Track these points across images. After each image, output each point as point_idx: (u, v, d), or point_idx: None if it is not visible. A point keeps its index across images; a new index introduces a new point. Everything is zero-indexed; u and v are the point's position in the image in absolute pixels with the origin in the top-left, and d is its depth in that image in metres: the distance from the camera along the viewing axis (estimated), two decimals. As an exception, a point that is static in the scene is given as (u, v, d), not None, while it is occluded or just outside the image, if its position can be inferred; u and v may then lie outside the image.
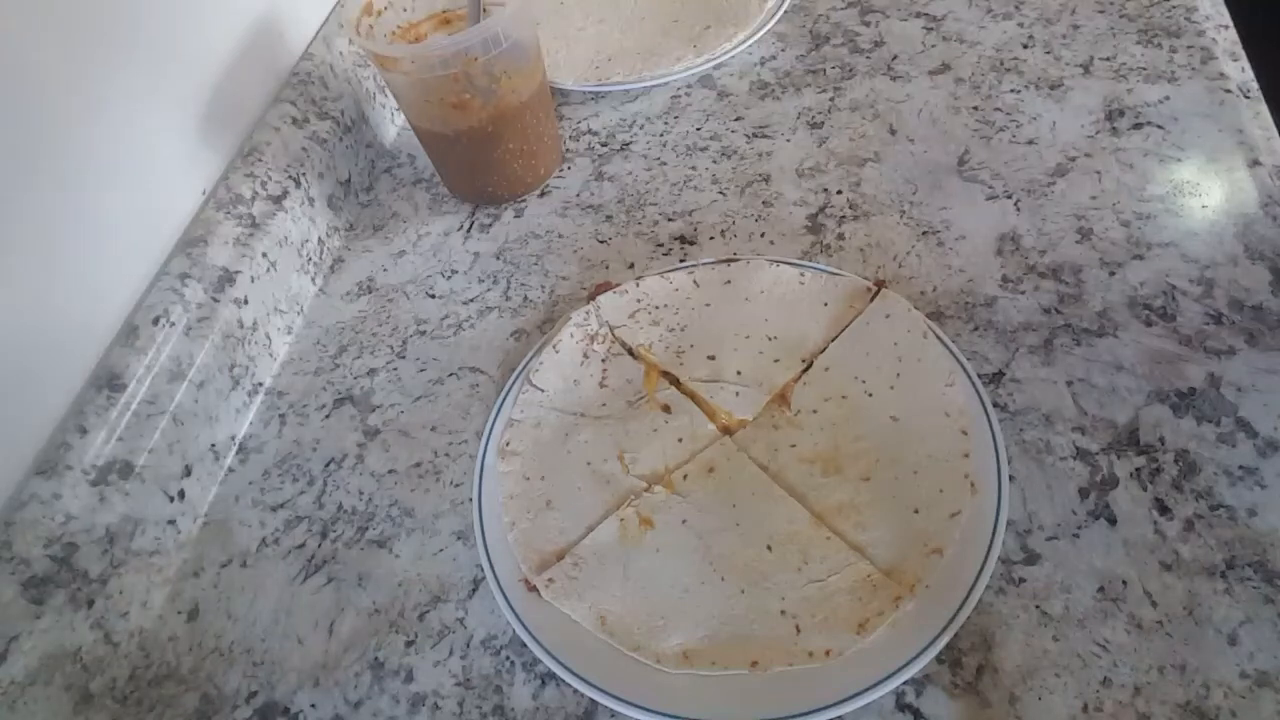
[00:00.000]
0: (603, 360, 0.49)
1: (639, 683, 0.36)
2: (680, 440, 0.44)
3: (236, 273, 0.50)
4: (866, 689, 0.34)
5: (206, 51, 0.54)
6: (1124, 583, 0.36)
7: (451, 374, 0.51)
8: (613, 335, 0.49)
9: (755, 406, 0.45)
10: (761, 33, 0.66)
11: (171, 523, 0.45)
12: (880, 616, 0.36)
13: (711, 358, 0.47)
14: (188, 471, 0.46)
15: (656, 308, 0.50)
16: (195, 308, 0.48)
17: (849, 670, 0.35)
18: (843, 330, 0.47)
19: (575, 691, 0.37)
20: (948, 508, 0.38)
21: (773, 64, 0.66)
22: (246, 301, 0.51)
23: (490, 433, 0.46)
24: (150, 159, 0.49)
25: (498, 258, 0.57)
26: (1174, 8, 0.60)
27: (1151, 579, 0.36)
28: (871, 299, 0.47)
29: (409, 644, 0.40)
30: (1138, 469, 0.39)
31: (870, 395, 0.44)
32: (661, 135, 0.62)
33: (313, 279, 0.58)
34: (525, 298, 0.54)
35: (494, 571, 0.41)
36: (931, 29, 0.65)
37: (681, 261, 0.53)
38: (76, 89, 0.44)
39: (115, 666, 0.40)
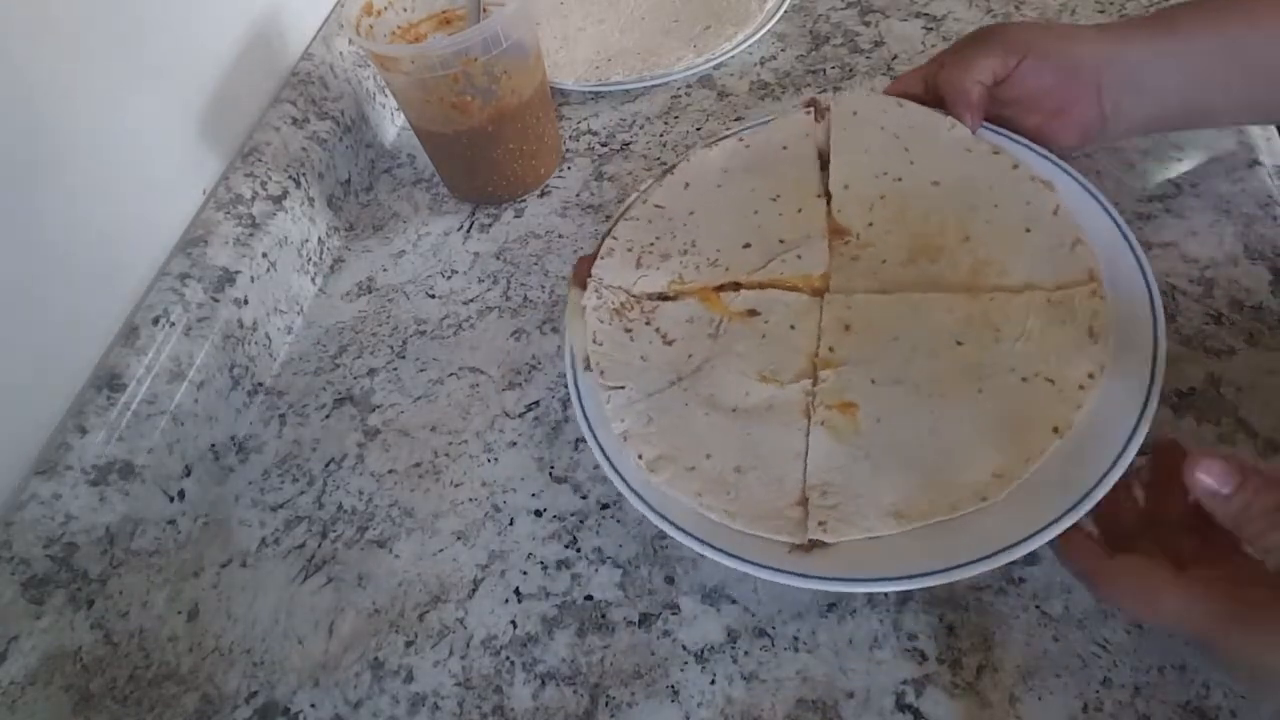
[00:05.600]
0: (647, 323, 0.44)
1: (958, 536, 0.34)
2: (793, 327, 0.42)
3: (236, 273, 0.50)
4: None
5: (206, 51, 0.54)
6: (1124, 583, 0.36)
7: (451, 374, 0.51)
8: (635, 295, 0.45)
9: (822, 254, 0.43)
10: (761, 33, 0.66)
11: (171, 523, 0.45)
12: (1096, 317, 0.37)
13: (747, 245, 0.45)
14: (188, 471, 0.46)
15: (650, 244, 0.46)
16: (195, 308, 0.48)
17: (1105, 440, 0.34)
18: (828, 151, 0.47)
19: (575, 691, 0.37)
20: (1046, 208, 0.41)
21: (773, 64, 0.66)
22: (246, 301, 0.51)
23: (613, 466, 0.39)
24: (150, 159, 0.49)
25: (498, 258, 0.57)
26: (1174, 8, 0.60)
27: (1151, 579, 0.36)
28: (819, 117, 0.47)
29: (409, 644, 0.40)
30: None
31: (900, 180, 0.44)
32: (661, 135, 0.62)
33: (313, 279, 0.58)
34: (525, 298, 0.54)
35: (752, 561, 0.35)
36: (931, 29, 0.65)
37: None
38: (76, 90, 0.44)
39: (115, 666, 0.40)
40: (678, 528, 0.37)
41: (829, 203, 0.45)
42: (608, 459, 0.39)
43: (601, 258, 0.46)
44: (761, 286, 0.44)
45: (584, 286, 0.45)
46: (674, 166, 0.49)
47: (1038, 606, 0.36)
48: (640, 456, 0.39)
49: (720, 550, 0.36)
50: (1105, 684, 0.34)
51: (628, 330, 0.44)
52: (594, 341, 0.42)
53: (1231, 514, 0.29)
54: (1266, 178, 0.48)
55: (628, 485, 0.38)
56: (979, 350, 0.38)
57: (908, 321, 0.40)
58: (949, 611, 0.37)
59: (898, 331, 0.40)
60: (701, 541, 0.36)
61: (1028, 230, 0.41)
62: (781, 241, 0.44)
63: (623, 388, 0.41)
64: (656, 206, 0.47)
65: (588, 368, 0.42)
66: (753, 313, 0.43)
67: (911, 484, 0.36)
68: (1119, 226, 0.41)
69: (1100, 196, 0.42)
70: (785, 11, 0.68)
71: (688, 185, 0.48)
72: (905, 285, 0.41)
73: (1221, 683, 0.33)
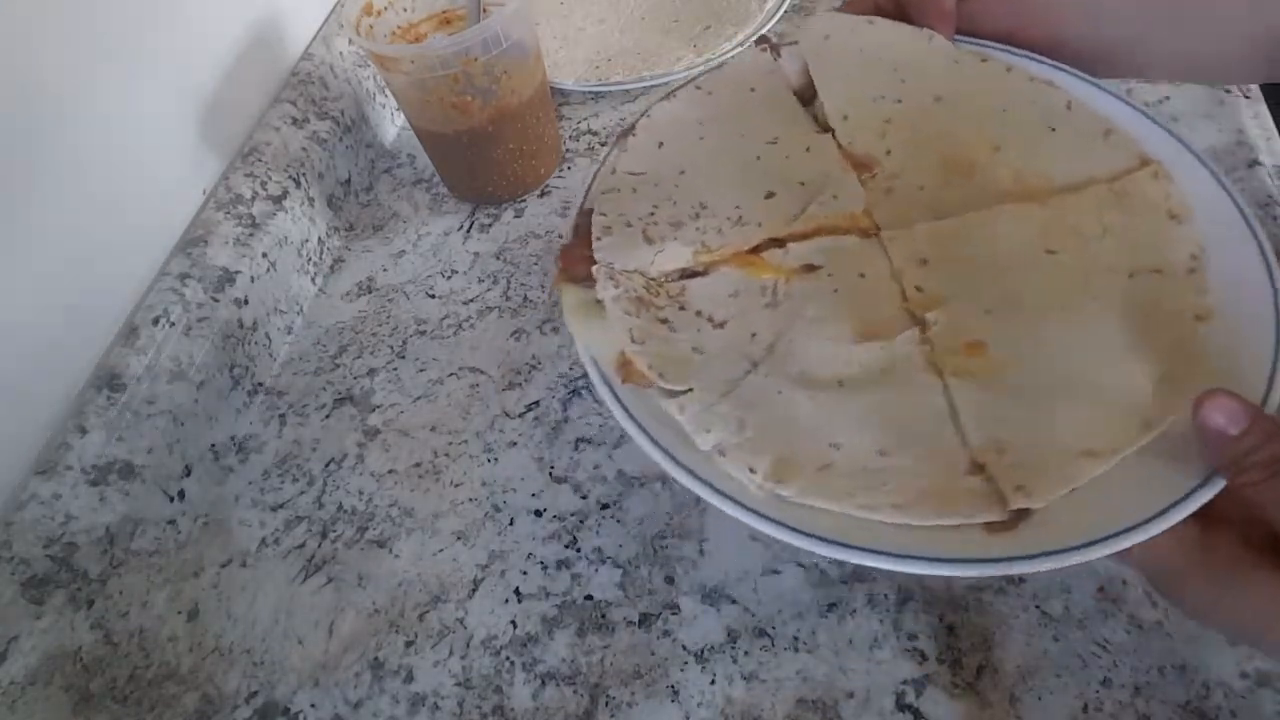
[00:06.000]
0: (682, 308, 0.36)
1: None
2: (863, 275, 0.36)
3: (236, 273, 0.50)
4: None
5: (206, 51, 0.54)
6: (1124, 583, 0.36)
7: (451, 374, 0.51)
8: (654, 277, 0.37)
9: (856, 190, 0.39)
10: (761, 33, 0.66)
11: (171, 523, 0.45)
12: (1169, 198, 0.35)
13: (770, 195, 0.39)
14: (188, 471, 0.46)
15: (649, 214, 0.38)
16: (195, 308, 0.48)
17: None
18: (803, 86, 0.44)
19: (575, 691, 0.37)
20: (1058, 105, 0.39)
21: (773, 64, 0.66)
22: (246, 301, 0.51)
23: (719, 490, 0.30)
24: (150, 159, 0.49)
25: (498, 258, 0.57)
26: (1174, 8, 0.60)
27: (1151, 579, 0.36)
28: (778, 54, 0.44)
29: (409, 644, 0.40)
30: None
31: (900, 101, 0.41)
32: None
33: (313, 279, 0.58)
34: (525, 298, 0.54)
35: (961, 559, 0.28)
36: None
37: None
38: (76, 90, 0.44)
39: (115, 666, 0.40)
40: (857, 548, 0.28)
41: (834, 136, 0.41)
42: (710, 485, 0.30)
43: (598, 238, 0.37)
44: (807, 237, 0.38)
45: (579, 280, 0.37)
46: (634, 127, 0.41)
47: (1038, 606, 0.36)
48: (753, 470, 0.30)
49: (917, 558, 0.28)
50: (1105, 684, 0.34)
51: (663, 320, 0.35)
52: (632, 340, 0.33)
53: (1232, 457, 0.27)
54: (1266, 178, 0.48)
55: (760, 515, 0.29)
56: (1075, 255, 0.35)
57: (984, 242, 0.36)
58: (949, 611, 0.37)
59: (980, 255, 0.36)
60: (888, 555, 0.28)
61: (1052, 129, 0.38)
62: (803, 184, 0.39)
63: (689, 390, 0.33)
64: (633, 174, 0.40)
65: (625, 378, 0.33)
66: (809, 268, 0.37)
67: (1086, 415, 0.31)
68: (1149, 119, 0.38)
69: (1111, 90, 0.39)
70: (785, 11, 0.68)
71: (662, 144, 0.41)
72: (959, 207, 0.38)
73: (1222, 683, 0.33)
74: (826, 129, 0.41)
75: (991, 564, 0.28)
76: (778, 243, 0.37)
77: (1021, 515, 0.29)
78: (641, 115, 0.42)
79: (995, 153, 0.39)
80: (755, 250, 0.37)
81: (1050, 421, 0.31)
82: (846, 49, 0.42)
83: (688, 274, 0.37)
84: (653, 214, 0.38)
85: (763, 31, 0.46)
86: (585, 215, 0.39)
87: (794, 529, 0.29)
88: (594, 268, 0.36)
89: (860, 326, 0.34)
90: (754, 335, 0.35)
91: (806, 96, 0.44)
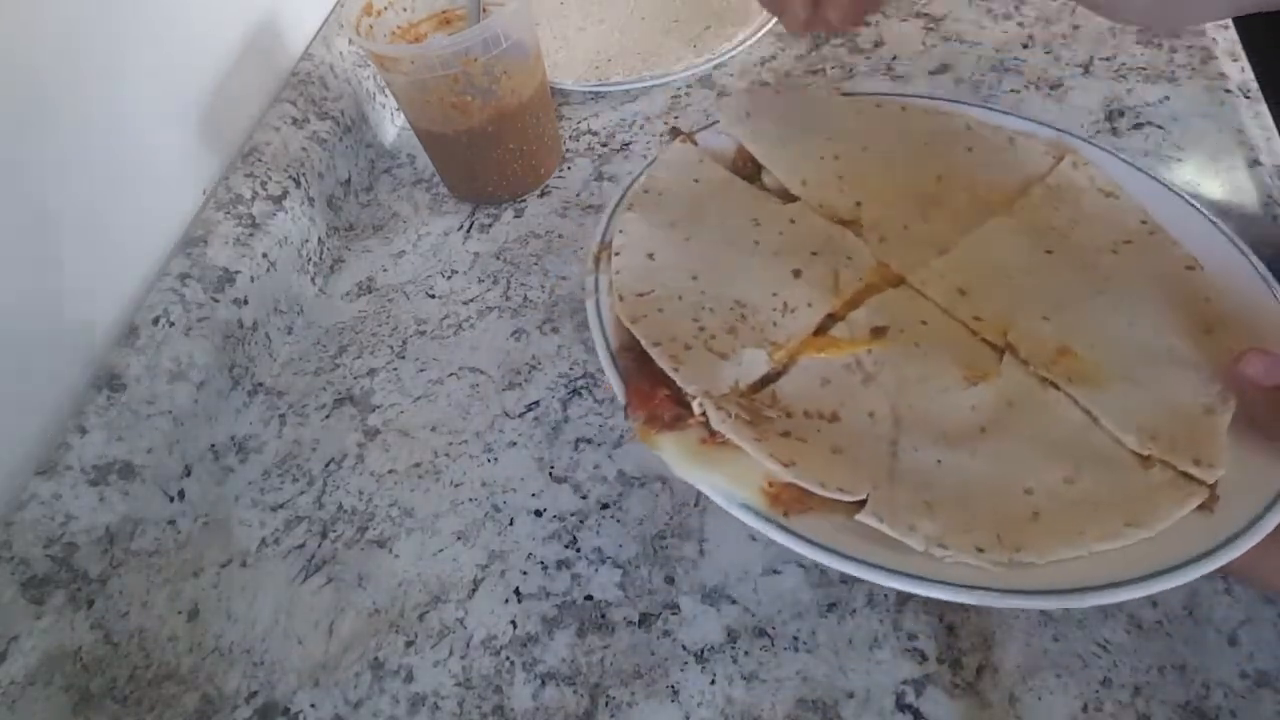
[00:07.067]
0: (789, 414, 0.34)
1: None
2: (925, 322, 0.37)
3: (236, 273, 0.50)
4: None
5: (206, 52, 0.54)
6: (1124, 583, 0.36)
7: (451, 374, 0.51)
8: (744, 393, 0.34)
9: (862, 248, 0.40)
10: (761, 33, 0.66)
11: (171, 523, 0.45)
12: (1095, 179, 0.41)
13: (797, 273, 0.39)
14: (188, 471, 0.46)
15: (699, 330, 0.36)
16: (195, 308, 0.48)
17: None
18: (739, 164, 0.45)
19: (575, 691, 0.37)
20: (959, 128, 0.44)
21: (772, 64, 0.66)
22: (246, 301, 0.51)
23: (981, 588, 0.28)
24: (150, 159, 0.49)
25: (498, 258, 0.57)
26: (1174, 8, 0.60)
27: (1151, 579, 0.36)
28: (694, 141, 0.45)
29: (409, 644, 0.40)
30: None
31: (838, 157, 0.44)
32: (661, 135, 0.62)
33: (312, 279, 0.58)
34: (525, 298, 0.54)
35: (1187, 561, 0.28)
36: (931, 29, 0.65)
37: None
38: (76, 89, 0.44)
39: (115, 666, 0.40)
40: (1094, 587, 0.28)
41: (799, 201, 0.43)
42: (977, 587, 0.28)
43: (674, 369, 0.34)
44: (857, 303, 0.38)
45: (669, 425, 0.33)
46: (609, 246, 0.39)
47: (1038, 606, 0.36)
48: (981, 550, 0.29)
49: (1151, 576, 0.28)
50: (1105, 684, 0.34)
51: (785, 434, 0.33)
52: (783, 465, 0.31)
53: (1267, 405, 0.29)
54: (1266, 178, 0.48)
55: (1041, 594, 0.28)
56: (1066, 249, 0.39)
57: (994, 260, 0.39)
58: (949, 611, 0.37)
59: (999, 271, 0.38)
60: (1134, 582, 0.28)
61: (969, 149, 0.42)
62: (815, 254, 0.40)
63: (867, 496, 0.31)
64: (641, 295, 0.37)
65: (786, 512, 0.31)
66: (877, 331, 0.36)
67: (1179, 376, 0.33)
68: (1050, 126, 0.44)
69: (985, 105, 0.45)
70: (785, 11, 0.68)
71: (652, 256, 0.39)
72: (953, 235, 0.40)
73: (1222, 683, 0.33)
74: (790, 198, 0.43)
75: (1225, 549, 0.28)
76: (832, 317, 0.37)
77: (1214, 488, 0.30)
78: (611, 236, 0.40)
79: (940, 181, 0.42)
80: (818, 332, 0.37)
81: (1164, 393, 0.33)
82: (770, 121, 0.45)
83: (768, 379, 0.35)
84: (701, 328, 0.36)
85: (676, 125, 0.50)
86: (625, 354, 0.35)
87: (1066, 591, 0.28)
88: (694, 402, 0.33)
89: (965, 372, 0.35)
90: (871, 415, 0.34)
91: (746, 173, 0.45)
